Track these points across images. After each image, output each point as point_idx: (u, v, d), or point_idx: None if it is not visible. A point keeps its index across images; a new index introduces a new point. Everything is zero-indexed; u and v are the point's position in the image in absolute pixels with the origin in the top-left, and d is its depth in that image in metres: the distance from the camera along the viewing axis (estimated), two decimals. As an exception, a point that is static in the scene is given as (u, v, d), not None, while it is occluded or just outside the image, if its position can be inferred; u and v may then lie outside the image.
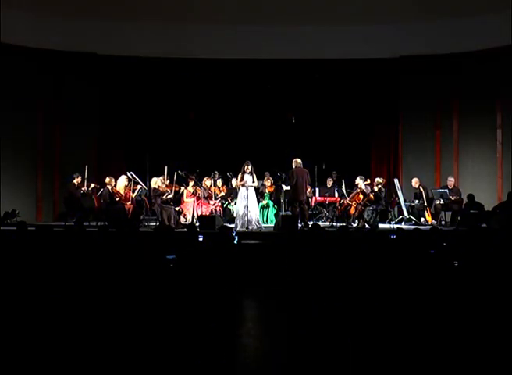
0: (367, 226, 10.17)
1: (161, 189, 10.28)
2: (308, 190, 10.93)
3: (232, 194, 11.40)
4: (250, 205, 10.13)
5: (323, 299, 5.10)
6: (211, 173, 11.83)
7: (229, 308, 5.05)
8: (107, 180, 10.31)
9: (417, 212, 11.25)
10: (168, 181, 10.64)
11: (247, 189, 10.19)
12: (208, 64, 12.48)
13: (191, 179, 11.02)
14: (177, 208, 10.54)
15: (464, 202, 10.94)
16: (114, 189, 10.21)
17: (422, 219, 11.05)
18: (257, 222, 10.30)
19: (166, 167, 10.54)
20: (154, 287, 4.83)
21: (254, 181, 10.32)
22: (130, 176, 10.49)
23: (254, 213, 10.28)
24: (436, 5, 11.69)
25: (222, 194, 11.38)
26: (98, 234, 6.91)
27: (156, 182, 10.33)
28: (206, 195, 11.06)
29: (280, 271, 6.20)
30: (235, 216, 10.49)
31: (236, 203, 10.68)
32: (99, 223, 9.89)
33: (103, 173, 11.51)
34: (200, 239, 6.59)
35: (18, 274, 5.06)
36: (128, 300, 4.66)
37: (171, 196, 10.31)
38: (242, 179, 10.28)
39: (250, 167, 10.27)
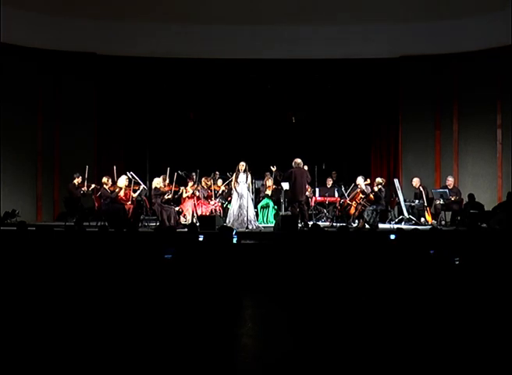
0: (367, 226, 10.16)
1: (162, 189, 10.28)
2: (308, 190, 10.93)
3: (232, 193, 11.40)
4: (247, 204, 10.16)
5: (323, 299, 5.10)
6: (211, 173, 11.83)
7: (229, 308, 5.04)
8: (104, 179, 10.31)
9: (417, 212, 11.24)
10: (167, 181, 10.63)
11: (242, 188, 10.23)
12: (208, 64, 12.48)
13: (191, 179, 11.01)
14: (177, 208, 10.53)
15: (465, 202, 10.95)
16: (110, 187, 10.22)
17: (422, 219, 11.05)
18: (255, 221, 10.35)
19: (168, 168, 10.53)
20: (153, 287, 4.82)
21: (247, 181, 10.33)
22: (130, 177, 10.49)
23: (251, 212, 10.32)
24: (436, 5, 11.68)
25: (223, 188, 11.39)
26: (98, 234, 6.91)
27: (158, 182, 10.33)
28: (206, 195, 11.06)
29: (280, 271, 6.20)
30: (228, 214, 10.49)
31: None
32: (99, 223, 9.88)
33: (103, 173, 11.49)
34: (201, 239, 6.58)
35: (18, 274, 5.05)
36: (128, 299, 4.66)
37: (170, 196, 10.31)
38: (237, 178, 10.32)
39: (244, 166, 10.29)
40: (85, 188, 10.59)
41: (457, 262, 5.39)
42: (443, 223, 10.93)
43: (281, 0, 11.82)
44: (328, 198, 11.75)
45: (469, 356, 3.82)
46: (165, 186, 10.40)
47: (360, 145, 13.23)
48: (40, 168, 12.02)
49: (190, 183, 10.91)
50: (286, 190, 10.93)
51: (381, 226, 10.53)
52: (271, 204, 11.55)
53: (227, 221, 10.30)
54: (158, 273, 5.05)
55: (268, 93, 13.07)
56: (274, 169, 11.30)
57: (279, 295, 5.75)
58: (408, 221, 11.07)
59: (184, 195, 10.82)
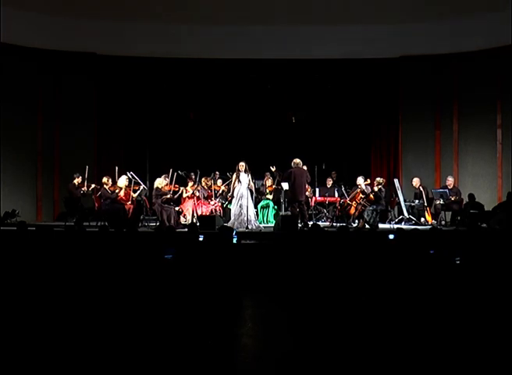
0: (367, 226, 10.16)
1: (163, 189, 10.30)
2: (308, 190, 10.93)
3: (233, 193, 11.39)
4: (248, 204, 10.16)
5: (323, 299, 5.10)
6: (211, 173, 11.84)
7: (229, 308, 5.04)
8: (104, 179, 10.32)
9: (417, 212, 11.24)
10: (167, 181, 10.65)
11: (242, 188, 10.24)
12: (208, 64, 12.48)
13: (191, 179, 11.02)
14: (177, 208, 10.54)
15: (465, 202, 10.95)
16: (111, 187, 10.22)
17: (422, 219, 11.05)
18: (255, 221, 10.36)
19: (171, 170, 10.54)
20: (154, 287, 4.82)
21: (249, 180, 10.34)
22: (130, 177, 10.49)
23: (252, 211, 10.33)
24: (436, 5, 11.68)
25: (223, 188, 11.41)
26: (98, 234, 6.91)
27: (160, 182, 10.35)
28: (206, 195, 11.06)
29: (280, 271, 6.20)
30: (231, 215, 10.52)
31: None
32: (99, 223, 9.88)
33: (103, 173, 11.49)
34: (201, 239, 6.58)
35: (18, 274, 5.05)
36: (128, 300, 4.66)
37: (169, 196, 10.32)
38: (238, 178, 10.32)
39: (244, 167, 10.30)
40: (85, 188, 10.59)
41: (458, 262, 5.39)
42: (443, 223, 10.93)
43: (281, 0, 11.82)
44: (328, 198, 11.75)
45: (469, 356, 3.82)
46: (166, 185, 10.43)
47: (360, 145, 13.22)
48: (40, 168, 12.02)
49: (190, 183, 10.91)
50: (285, 190, 10.94)
51: (381, 226, 10.53)
52: (271, 204, 11.56)
53: (231, 221, 10.31)
54: (158, 273, 5.05)
55: (268, 93, 13.07)
56: (274, 169, 11.31)
57: (279, 295, 5.75)
58: (408, 221, 11.07)
59: (184, 195, 10.83)
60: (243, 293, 5.67)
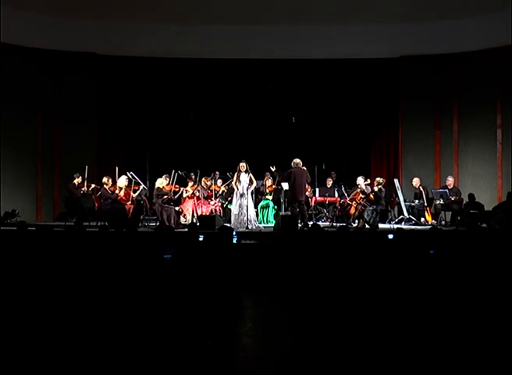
0: (367, 226, 10.16)
1: (164, 190, 10.31)
2: (308, 190, 10.93)
3: (232, 193, 11.40)
4: (248, 204, 10.17)
5: (323, 299, 5.10)
6: (211, 173, 11.84)
7: (229, 308, 5.04)
8: (104, 179, 10.33)
9: (417, 212, 11.25)
10: (168, 181, 10.66)
11: (243, 188, 10.24)
12: (208, 64, 12.48)
13: (191, 179, 11.02)
14: (177, 208, 10.54)
15: (465, 202, 10.95)
16: (111, 187, 10.23)
17: (422, 219, 11.05)
18: (255, 221, 10.36)
19: (174, 170, 10.55)
20: (153, 287, 4.83)
21: (251, 180, 10.34)
22: (130, 177, 10.50)
23: (252, 212, 10.33)
24: (436, 5, 11.68)
25: (223, 189, 11.41)
26: (98, 234, 6.91)
27: (161, 182, 10.36)
28: (206, 195, 11.07)
29: (280, 271, 6.20)
30: (231, 215, 10.54)
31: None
32: (99, 223, 9.88)
33: (103, 173, 11.49)
34: (201, 239, 6.58)
35: (18, 274, 5.06)
36: (128, 299, 4.66)
37: (170, 196, 10.32)
38: (238, 178, 10.32)
39: (245, 167, 10.30)
40: (85, 188, 10.60)
41: (457, 263, 5.39)
42: (443, 223, 10.93)
43: (281, 0, 11.82)
44: (328, 198, 11.75)
45: (469, 355, 3.82)
46: (167, 185, 10.45)
47: (360, 145, 13.22)
48: (40, 168, 12.02)
49: (190, 183, 10.91)
50: (285, 190, 10.93)
51: (381, 226, 10.52)
52: (271, 204, 11.56)
53: (232, 222, 10.32)
54: (158, 273, 5.05)
55: (268, 93, 13.08)
56: (274, 169, 11.31)
57: (279, 295, 5.75)
58: (408, 221, 11.08)
59: (184, 195, 10.83)
60: (243, 293, 5.67)
